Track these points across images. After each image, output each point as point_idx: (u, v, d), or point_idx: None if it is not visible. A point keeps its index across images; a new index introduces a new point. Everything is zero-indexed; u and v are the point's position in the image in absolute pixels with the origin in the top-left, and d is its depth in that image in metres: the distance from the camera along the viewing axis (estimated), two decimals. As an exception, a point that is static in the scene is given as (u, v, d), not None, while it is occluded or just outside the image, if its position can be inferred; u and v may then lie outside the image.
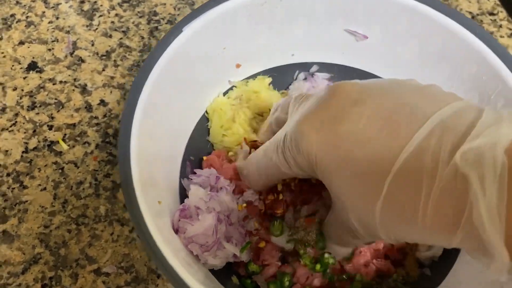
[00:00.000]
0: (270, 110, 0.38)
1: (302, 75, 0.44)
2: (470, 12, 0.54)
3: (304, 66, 0.44)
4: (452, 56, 0.37)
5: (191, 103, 0.39)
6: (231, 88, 0.42)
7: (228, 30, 0.38)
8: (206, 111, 0.41)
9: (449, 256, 0.35)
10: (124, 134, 0.31)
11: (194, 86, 0.39)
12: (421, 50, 0.39)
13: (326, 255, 0.33)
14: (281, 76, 0.44)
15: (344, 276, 0.34)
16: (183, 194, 0.37)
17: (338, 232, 0.31)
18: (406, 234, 0.25)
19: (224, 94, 0.42)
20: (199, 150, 0.40)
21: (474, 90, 0.37)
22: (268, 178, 0.33)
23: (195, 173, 0.38)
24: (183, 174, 0.38)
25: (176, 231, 0.34)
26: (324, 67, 0.44)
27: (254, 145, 0.38)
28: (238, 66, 0.42)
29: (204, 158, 0.39)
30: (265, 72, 0.43)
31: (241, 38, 0.39)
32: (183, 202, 0.36)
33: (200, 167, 0.39)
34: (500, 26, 0.53)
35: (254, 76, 0.43)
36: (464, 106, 0.24)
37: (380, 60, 0.42)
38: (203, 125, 0.41)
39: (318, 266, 0.33)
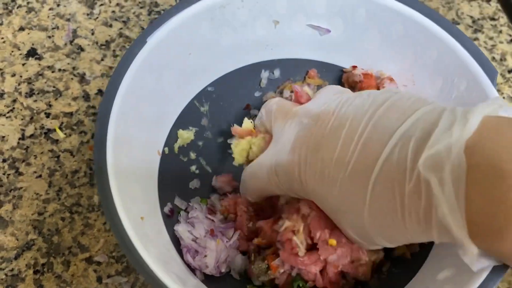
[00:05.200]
0: None
1: (265, 75, 0.44)
2: (471, 16, 0.54)
3: (270, 65, 0.44)
4: (413, 43, 0.39)
5: (162, 111, 0.39)
6: (203, 91, 0.42)
7: (192, 35, 0.38)
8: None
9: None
10: (98, 151, 0.31)
11: (163, 94, 0.39)
12: (382, 39, 0.41)
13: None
14: (248, 76, 0.44)
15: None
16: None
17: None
18: (394, 235, 0.28)
19: (195, 99, 0.42)
20: (172, 164, 0.40)
21: (437, 74, 0.39)
22: (262, 192, 0.36)
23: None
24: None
25: (200, 269, 0.36)
26: (291, 63, 0.44)
27: None
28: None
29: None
30: (231, 74, 0.43)
31: (206, 42, 0.40)
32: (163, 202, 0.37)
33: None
34: (500, 31, 0.53)
35: (221, 79, 0.43)
36: (426, 111, 0.26)
37: (344, 52, 0.43)
38: (174, 135, 0.41)
39: None
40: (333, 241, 0.31)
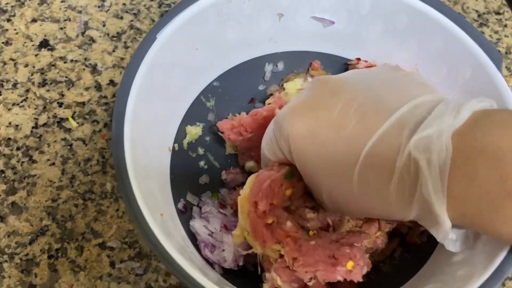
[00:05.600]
0: None
1: (269, 68, 0.45)
2: (477, 11, 0.55)
3: (274, 57, 0.44)
4: (417, 32, 0.40)
5: (171, 107, 0.40)
6: (209, 86, 0.42)
7: (200, 30, 0.39)
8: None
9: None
10: (117, 151, 0.31)
11: (172, 91, 0.39)
12: (386, 29, 0.41)
13: None
14: (252, 69, 0.44)
15: None
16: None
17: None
18: (376, 206, 0.29)
19: (201, 94, 0.42)
20: (182, 160, 0.40)
21: (442, 63, 0.39)
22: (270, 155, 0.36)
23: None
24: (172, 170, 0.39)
25: (218, 263, 0.36)
26: (295, 56, 0.45)
27: None
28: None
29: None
30: (236, 68, 0.43)
31: (211, 36, 0.40)
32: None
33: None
34: (505, 25, 0.54)
35: (226, 74, 0.43)
36: (424, 101, 0.28)
37: (348, 44, 0.43)
38: (182, 131, 0.41)
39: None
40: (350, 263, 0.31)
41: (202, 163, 0.42)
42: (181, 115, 0.41)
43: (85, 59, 0.49)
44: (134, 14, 0.52)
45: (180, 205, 0.38)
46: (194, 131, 0.41)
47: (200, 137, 0.42)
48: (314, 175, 0.31)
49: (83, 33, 0.50)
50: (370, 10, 0.40)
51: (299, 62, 0.45)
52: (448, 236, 0.27)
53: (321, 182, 0.31)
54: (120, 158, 0.31)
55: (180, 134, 0.41)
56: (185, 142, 0.41)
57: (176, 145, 0.40)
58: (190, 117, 0.41)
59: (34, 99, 0.46)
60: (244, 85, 0.44)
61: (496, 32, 0.53)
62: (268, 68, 0.45)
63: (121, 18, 0.52)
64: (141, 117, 0.34)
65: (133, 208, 0.30)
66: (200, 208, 0.39)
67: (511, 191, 0.23)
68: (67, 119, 0.45)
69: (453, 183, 0.25)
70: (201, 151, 0.42)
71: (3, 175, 0.42)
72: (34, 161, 0.43)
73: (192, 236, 0.37)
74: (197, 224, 0.37)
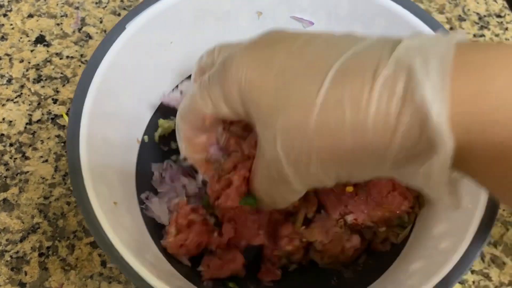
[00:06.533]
0: None
1: None
2: (478, 13, 0.54)
3: None
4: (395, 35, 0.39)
5: (142, 99, 0.39)
6: (185, 82, 0.42)
7: (174, 24, 0.38)
8: None
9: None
10: (72, 126, 0.31)
11: (144, 82, 0.38)
12: (365, 32, 0.40)
13: None
14: None
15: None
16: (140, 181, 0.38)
17: (268, 189, 0.28)
18: (347, 144, 0.23)
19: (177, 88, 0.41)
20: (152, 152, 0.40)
21: None
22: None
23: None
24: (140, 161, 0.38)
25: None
26: None
27: None
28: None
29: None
30: None
31: (188, 31, 0.39)
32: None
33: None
34: (506, 28, 0.53)
35: None
36: (392, 35, 0.24)
37: None
38: (154, 124, 0.40)
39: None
40: None
41: (174, 157, 0.41)
42: (153, 107, 0.40)
43: (81, 55, 0.48)
44: (132, 11, 0.51)
45: (143, 196, 0.37)
46: (167, 124, 0.41)
47: (173, 132, 0.41)
48: (269, 115, 0.24)
49: (79, 29, 0.50)
50: (349, 12, 0.40)
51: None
52: (448, 172, 0.21)
53: (277, 122, 0.24)
54: (74, 133, 0.31)
55: (152, 127, 0.40)
56: (157, 134, 0.41)
57: (146, 137, 0.40)
58: (163, 111, 0.41)
59: (28, 95, 0.46)
60: None
61: (497, 35, 0.53)
62: None
63: (119, 15, 0.51)
64: (106, 104, 0.34)
65: (79, 191, 0.29)
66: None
67: None
68: (62, 115, 0.45)
69: (458, 86, 0.20)
70: (174, 145, 0.41)
71: (-5, 171, 0.42)
72: (27, 158, 0.43)
73: (152, 227, 0.36)
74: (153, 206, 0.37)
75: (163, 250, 0.34)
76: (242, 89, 0.25)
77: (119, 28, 0.35)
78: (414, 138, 0.21)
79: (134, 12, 0.36)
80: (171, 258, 0.34)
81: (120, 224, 0.30)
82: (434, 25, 0.37)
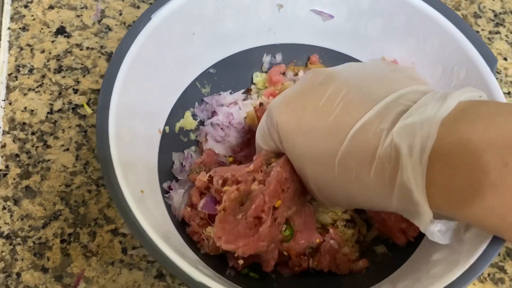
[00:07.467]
0: None
1: (267, 59, 0.45)
2: (493, 10, 0.54)
3: (273, 49, 0.44)
4: (415, 31, 0.40)
5: (164, 90, 0.40)
6: (205, 73, 0.43)
7: (196, 15, 0.39)
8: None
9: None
10: (101, 119, 0.32)
11: (166, 73, 0.39)
12: (385, 27, 0.41)
13: None
14: (250, 59, 0.44)
15: None
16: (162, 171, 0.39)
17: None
18: (358, 195, 0.29)
19: (197, 80, 0.42)
20: (172, 143, 0.41)
21: (437, 62, 0.39)
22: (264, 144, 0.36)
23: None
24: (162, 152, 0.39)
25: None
26: (293, 48, 0.45)
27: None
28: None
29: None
30: (233, 56, 0.43)
31: (209, 23, 0.40)
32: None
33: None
34: (522, 26, 0.53)
35: (223, 62, 0.43)
36: (411, 91, 0.28)
37: (346, 39, 0.43)
38: (174, 114, 0.41)
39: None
40: None
41: (193, 148, 0.42)
42: (174, 98, 0.41)
43: (101, 47, 0.49)
44: (151, 3, 0.52)
45: (165, 185, 0.38)
46: (191, 120, 0.42)
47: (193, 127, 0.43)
48: (301, 163, 0.31)
49: (99, 21, 0.51)
50: (369, 6, 0.40)
51: (298, 55, 0.45)
52: (430, 226, 0.27)
53: (308, 170, 0.31)
54: (103, 127, 0.31)
55: (172, 117, 0.41)
56: (178, 125, 0.41)
57: (167, 127, 0.40)
58: (184, 102, 0.42)
59: (49, 85, 0.47)
60: (241, 75, 0.44)
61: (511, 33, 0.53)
62: (266, 59, 0.45)
63: (138, 7, 0.52)
64: (131, 94, 0.35)
65: (111, 181, 0.29)
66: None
67: (493, 183, 0.23)
68: (82, 105, 0.46)
69: (435, 172, 0.25)
70: (193, 136, 0.42)
71: (17, 159, 0.43)
72: (48, 146, 0.44)
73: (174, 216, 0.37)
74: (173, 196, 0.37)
75: (187, 238, 0.35)
76: (281, 141, 0.32)
77: (145, 18, 0.36)
78: (405, 203, 0.26)
79: (160, 2, 0.36)
80: (194, 246, 0.35)
81: (148, 211, 0.31)
82: (454, 18, 0.37)
